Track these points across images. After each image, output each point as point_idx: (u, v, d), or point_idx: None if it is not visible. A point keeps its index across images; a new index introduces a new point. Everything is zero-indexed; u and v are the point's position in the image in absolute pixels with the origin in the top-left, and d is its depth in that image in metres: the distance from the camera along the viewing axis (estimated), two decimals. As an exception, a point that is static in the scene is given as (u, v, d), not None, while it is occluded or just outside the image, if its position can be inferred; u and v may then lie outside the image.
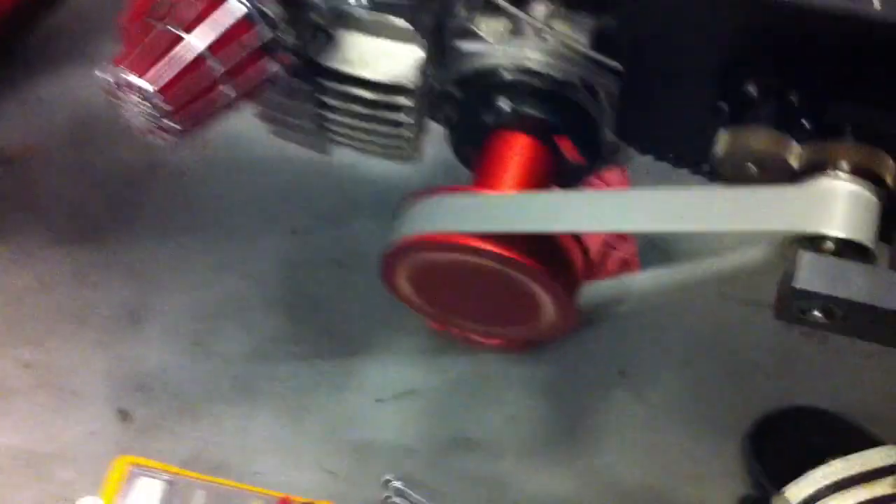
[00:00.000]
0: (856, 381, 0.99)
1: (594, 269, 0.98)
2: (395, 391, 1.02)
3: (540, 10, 0.73)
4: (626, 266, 1.01)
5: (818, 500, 0.87)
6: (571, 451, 0.99)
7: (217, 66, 0.65)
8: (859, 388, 0.99)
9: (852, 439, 0.91)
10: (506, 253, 0.67)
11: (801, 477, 0.88)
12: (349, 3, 0.69)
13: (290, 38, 0.70)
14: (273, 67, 0.69)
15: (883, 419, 0.96)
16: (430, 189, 0.71)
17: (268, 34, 0.66)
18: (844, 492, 0.87)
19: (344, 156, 0.87)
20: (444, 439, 0.99)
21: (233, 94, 0.67)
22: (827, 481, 0.87)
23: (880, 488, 0.87)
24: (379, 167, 1.08)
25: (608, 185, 0.99)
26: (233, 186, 1.13)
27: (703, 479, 0.96)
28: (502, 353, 1.02)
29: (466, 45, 0.73)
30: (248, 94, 0.69)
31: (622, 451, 0.98)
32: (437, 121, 0.82)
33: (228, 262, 1.09)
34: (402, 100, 0.74)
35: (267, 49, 0.68)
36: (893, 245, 0.59)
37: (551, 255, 0.69)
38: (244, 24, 0.66)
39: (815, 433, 0.93)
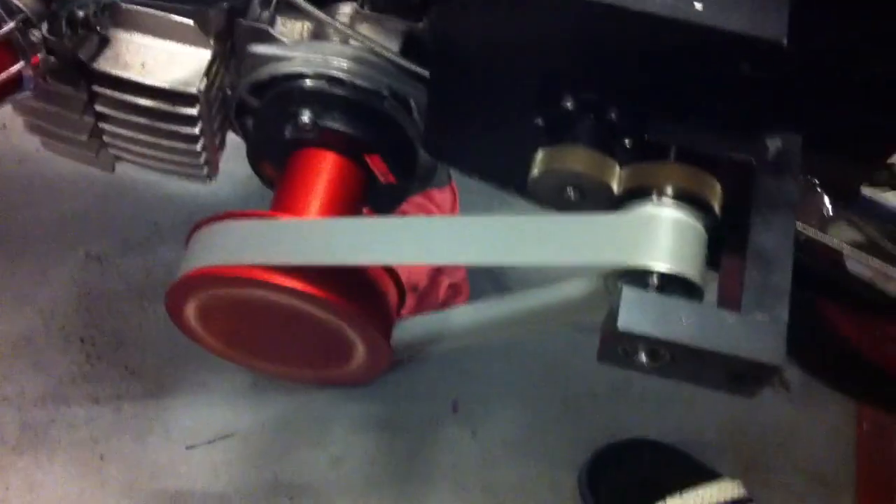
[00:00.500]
0: (690, 410, 0.97)
1: (422, 296, 0.91)
2: (207, 435, 0.93)
3: (345, 11, 0.66)
4: (455, 292, 0.94)
5: (656, 539, 0.84)
6: (403, 495, 0.93)
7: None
8: (694, 417, 0.97)
9: (689, 472, 0.88)
10: (306, 289, 0.59)
11: (638, 516, 0.85)
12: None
13: (47, 36, 0.59)
14: (24, 70, 0.58)
15: (718, 450, 0.95)
16: (219, 214, 0.62)
17: (12, 28, 0.56)
18: (683, 530, 0.84)
19: (148, 174, 0.77)
20: (264, 487, 0.92)
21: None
22: (663, 520, 0.84)
23: (719, 524, 0.84)
24: (189, 186, 0.99)
25: (437, 206, 0.93)
26: (22, 208, 1.01)
27: (539, 518, 0.92)
28: (327, 387, 0.94)
29: (261, 49, 0.65)
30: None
31: (456, 492, 0.93)
32: (237, 133, 0.73)
33: (17, 295, 0.98)
34: (187, 109, 0.65)
35: (15, 47, 0.57)
36: (720, 276, 0.54)
37: (359, 289, 0.61)
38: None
39: (652, 466, 0.90)
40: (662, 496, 0.85)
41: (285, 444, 0.94)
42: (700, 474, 0.88)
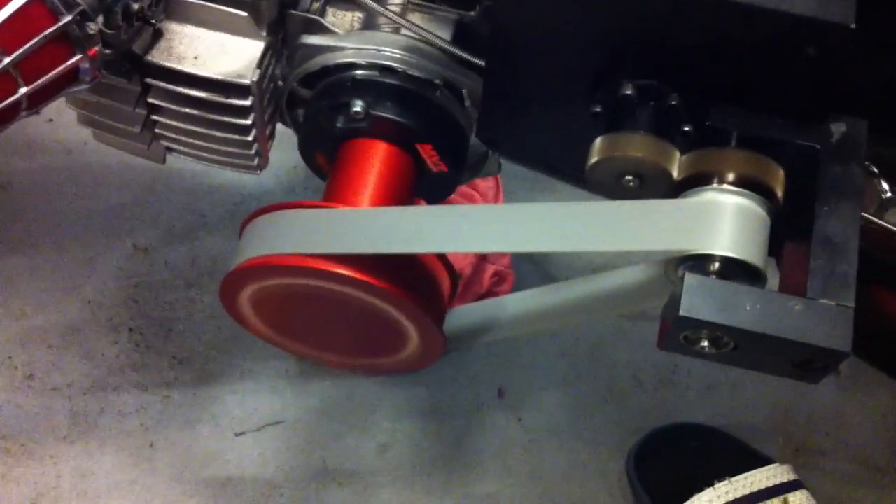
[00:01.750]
0: (739, 395, 0.97)
1: (467, 284, 0.91)
2: (255, 423, 0.94)
3: (396, 0, 0.65)
4: (500, 280, 0.94)
5: (706, 525, 0.84)
6: (450, 480, 0.93)
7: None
8: (743, 402, 0.97)
9: (737, 458, 0.88)
10: (361, 277, 0.59)
11: (687, 502, 0.84)
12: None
13: (104, 29, 0.60)
14: (81, 62, 0.59)
15: (767, 434, 0.94)
16: (273, 205, 0.62)
17: (70, 21, 0.56)
18: (732, 515, 0.84)
19: (194, 164, 0.78)
20: (312, 473, 0.92)
21: (23, 89, 0.56)
22: (712, 505, 0.83)
23: (768, 510, 0.84)
24: (234, 176, 1.00)
25: (481, 195, 0.93)
26: (68, 199, 1.02)
27: (586, 503, 0.91)
28: (373, 376, 0.95)
29: (312, 39, 0.65)
30: (46, 93, 0.59)
31: (502, 478, 0.93)
32: (287, 124, 0.73)
33: (64, 285, 0.98)
34: (240, 101, 0.65)
35: (72, 40, 0.58)
36: (783, 263, 0.54)
37: (414, 278, 0.61)
38: (37, 8, 0.55)
39: (700, 452, 0.90)
40: (711, 481, 0.85)
41: (332, 430, 0.94)
42: (749, 459, 0.88)
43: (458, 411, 0.96)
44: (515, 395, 0.96)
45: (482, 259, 0.93)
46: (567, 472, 0.93)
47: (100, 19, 0.60)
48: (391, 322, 0.62)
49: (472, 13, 0.64)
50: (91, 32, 0.58)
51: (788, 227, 0.54)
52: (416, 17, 0.65)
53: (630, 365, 0.98)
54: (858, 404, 0.97)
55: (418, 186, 0.68)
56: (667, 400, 0.97)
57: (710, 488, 0.84)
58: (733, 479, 0.84)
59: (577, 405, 0.96)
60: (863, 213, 0.62)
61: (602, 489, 0.92)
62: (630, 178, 0.53)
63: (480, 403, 0.96)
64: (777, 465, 0.86)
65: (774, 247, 0.54)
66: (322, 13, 0.66)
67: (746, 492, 0.84)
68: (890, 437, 0.96)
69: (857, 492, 0.93)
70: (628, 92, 0.52)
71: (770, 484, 0.85)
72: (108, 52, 0.61)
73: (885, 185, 0.64)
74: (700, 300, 0.48)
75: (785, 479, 0.85)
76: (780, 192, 0.51)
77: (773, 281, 0.54)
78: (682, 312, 0.48)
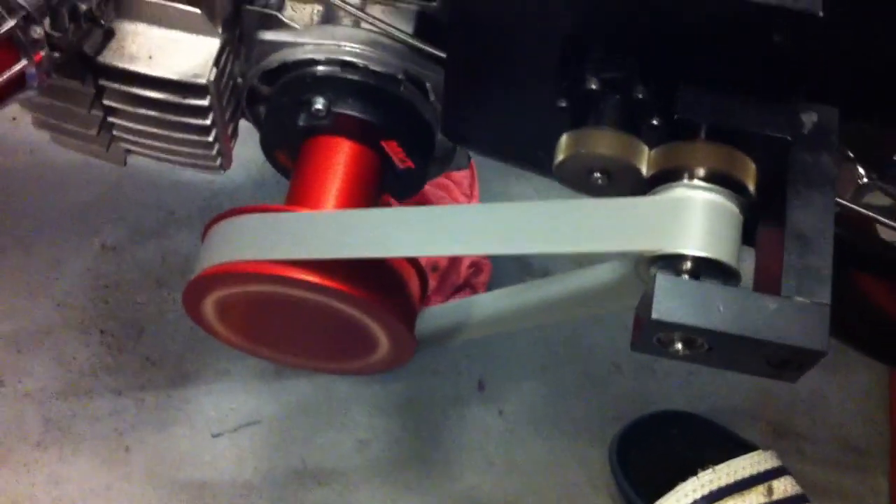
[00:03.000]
0: (719, 379, 0.96)
1: (444, 275, 0.90)
2: (232, 423, 0.92)
3: (355, -8, 0.63)
4: (477, 270, 0.93)
5: (690, 515, 0.83)
6: (431, 475, 0.92)
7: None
8: (725, 388, 0.96)
9: (720, 444, 0.87)
10: (327, 283, 0.57)
11: (671, 491, 0.84)
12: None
13: (50, 32, 0.57)
14: (27, 68, 0.56)
15: (749, 418, 0.94)
16: (233, 209, 0.60)
17: (13, 26, 0.54)
18: (717, 504, 0.83)
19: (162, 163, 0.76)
20: (290, 473, 0.91)
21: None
22: (697, 495, 0.83)
23: (752, 497, 0.83)
24: (203, 174, 0.98)
25: (456, 184, 0.91)
26: (33, 199, 1.00)
27: (569, 494, 0.91)
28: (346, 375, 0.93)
29: (270, 35, 0.63)
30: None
31: (484, 471, 0.92)
32: (250, 121, 0.71)
33: (32, 288, 0.96)
34: (197, 101, 0.63)
35: (17, 45, 0.56)
36: (756, 258, 0.52)
37: (382, 281, 0.59)
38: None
39: (683, 440, 0.89)
40: (694, 469, 0.84)
41: (310, 428, 0.93)
42: (733, 445, 0.87)
43: (437, 405, 0.94)
44: (495, 386, 0.95)
45: (457, 250, 0.92)
46: (548, 462, 0.92)
47: (46, 22, 0.57)
48: (360, 326, 0.61)
49: (434, 4, 0.62)
50: (36, 36, 0.56)
51: (762, 216, 0.53)
52: (376, 10, 0.63)
53: (609, 352, 0.97)
54: (839, 386, 0.97)
55: (385, 183, 0.66)
56: (647, 386, 0.96)
57: (694, 477, 0.83)
58: (717, 467, 0.84)
59: (557, 394, 0.95)
60: (839, 200, 0.61)
61: (584, 479, 0.92)
62: (598, 175, 0.51)
63: (460, 396, 0.95)
64: (760, 451, 0.85)
65: (749, 235, 0.52)
66: (280, 8, 0.64)
67: (730, 480, 0.84)
68: (871, 418, 0.96)
69: (839, 475, 0.93)
70: (593, 86, 0.51)
71: (754, 471, 0.84)
72: (56, 55, 0.59)
73: (861, 171, 0.63)
74: (672, 302, 0.47)
75: (769, 466, 0.85)
76: (751, 187, 0.50)
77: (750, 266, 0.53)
78: (654, 316, 0.47)
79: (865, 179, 0.63)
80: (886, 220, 0.62)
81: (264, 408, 0.93)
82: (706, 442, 0.89)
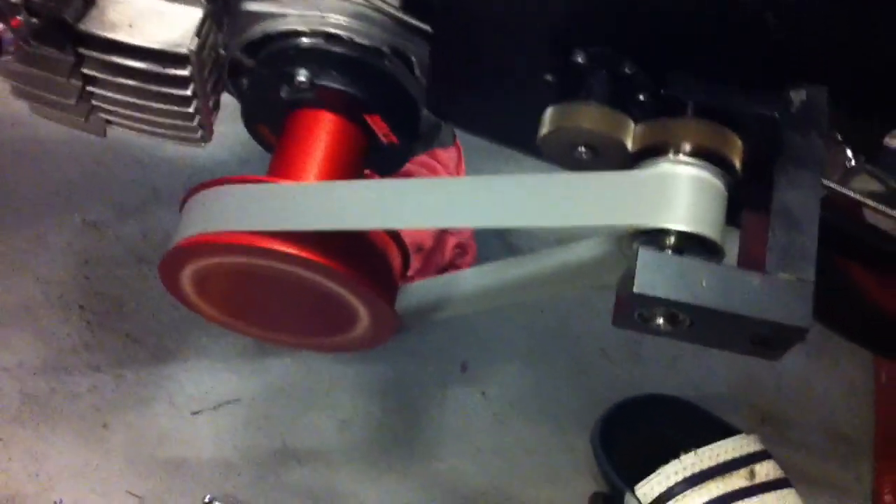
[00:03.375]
0: (704, 364, 0.95)
1: (429, 256, 0.89)
2: (212, 401, 0.92)
3: (341, -37, 0.62)
4: (462, 251, 0.92)
5: (671, 497, 0.83)
6: (412, 456, 0.91)
7: None
8: (710, 373, 0.95)
9: (704, 428, 0.87)
10: (303, 254, 0.56)
11: (653, 474, 0.83)
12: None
13: (30, -2, 0.56)
14: (4, 33, 0.55)
15: (733, 404, 0.94)
16: (212, 180, 0.59)
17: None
18: (698, 487, 0.83)
19: (145, 137, 0.75)
20: (270, 452, 0.90)
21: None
22: (679, 477, 0.83)
23: (735, 481, 0.83)
24: (187, 148, 0.96)
25: (442, 164, 0.90)
26: (15, 174, 0.99)
27: (552, 477, 0.91)
28: (327, 353, 0.93)
29: (253, 6, 0.62)
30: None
31: (466, 453, 0.92)
32: (232, 94, 0.70)
33: (13, 263, 0.95)
34: (178, 70, 0.62)
35: (-8, 10, 0.55)
36: (741, 236, 0.52)
37: (360, 254, 0.59)
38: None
39: (666, 424, 0.89)
40: (678, 452, 0.84)
41: (292, 408, 0.92)
42: (716, 429, 0.87)
43: (420, 386, 0.94)
44: (479, 368, 0.95)
45: (444, 231, 0.91)
46: (532, 446, 0.92)
47: (24, -15, 0.56)
48: (340, 301, 0.60)
49: (420, -24, 0.61)
50: (14, 1, 0.55)
51: (748, 196, 0.52)
52: (362, -19, 0.62)
53: (596, 336, 0.97)
54: (825, 373, 0.97)
55: (369, 159, 0.65)
56: (633, 371, 0.96)
57: (676, 460, 0.83)
58: (699, 450, 0.84)
59: (543, 378, 0.95)
60: (827, 182, 0.60)
61: (567, 463, 0.91)
62: (583, 149, 0.51)
63: (443, 378, 0.94)
64: (743, 435, 0.85)
65: (734, 216, 0.52)
66: (264, -23, 0.63)
67: (713, 463, 0.83)
68: (856, 405, 0.95)
69: (823, 461, 0.93)
70: (580, 60, 0.50)
71: (736, 455, 0.84)
72: (35, 20, 0.58)
73: (849, 154, 0.62)
74: (655, 276, 0.46)
75: (751, 450, 0.84)
76: (738, 164, 0.49)
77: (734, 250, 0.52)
78: (635, 289, 0.46)
79: (854, 163, 0.63)
80: (874, 204, 0.62)
81: (245, 386, 0.92)
82: (690, 425, 0.89)
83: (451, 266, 0.93)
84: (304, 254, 0.56)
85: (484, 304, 0.62)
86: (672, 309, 0.47)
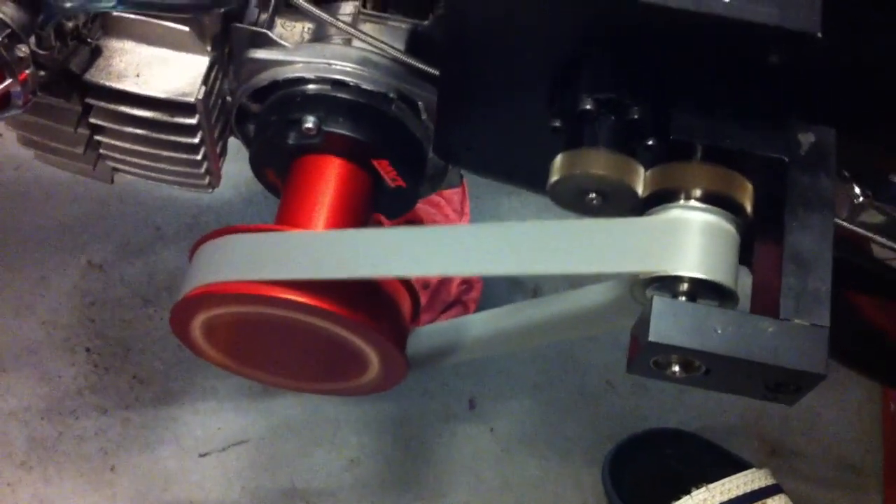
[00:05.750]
0: (713, 397, 0.95)
1: (435, 293, 0.89)
2: (219, 442, 0.91)
3: (346, 11, 0.63)
4: (468, 287, 0.92)
5: (683, 533, 0.82)
6: (422, 494, 0.91)
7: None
8: (719, 406, 0.95)
9: (714, 463, 0.86)
10: (316, 303, 0.56)
11: (666, 510, 0.83)
12: (106, 2, 0.56)
13: (36, 50, 0.56)
14: (11, 87, 0.55)
15: (742, 436, 0.93)
16: (222, 229, 0.59)
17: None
18: (710, 522, 0.83)
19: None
20: (279, 492, 0.90)
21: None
22: (691, 513, 0.82)
23: (747, 516, 0.82)
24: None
25: (447, 201, 0.90)
26: (18, 216, 0.99)
27: (562, 513, 0.90)
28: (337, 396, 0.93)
29: (260, 54, 0.62)
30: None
31: (474, 490, 0.91)
32: (239, 139, 0.70)
33: (17, 305, 0.95)
34: (185, 119, 0.62)
35: (1, 64, 0.55)
36: (753, 279, 0.52)
37: (372, 302, 0.58)
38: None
39: (676, 458, 0.88)
40: (688, 488, 0.84)
41: (299, 448, 0.92)
42: (726, 463, 0.87)
43: (428, 423, 0.94)
44: (486, 404, 0.95)
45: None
46: (540, 481, 0.92)
47: (31, 40, 0.56)
48: (350, 347, 0.60)
49: (426, 22, 0.62)
50: (21, 55, 0.55)
51: (760, 234, 0.52)
52: (368, 28, 0.62)
53: (602, 369, 0.97)
54: (833, 403, 0.96)
55: (376, 202, 0.65)
56: (640, 404, 0.95)
57: (687, 496, 0.83)
58: (710, 485, 0.83)
59: (550, 412, 0.95)
60: (835, 220, 0.60)
61: (576, 498, 0.91)
62: (593, 195, 0.51)
63: (450, 414, 0.94)
64: (754, 469, 0.85)
65: (746, 255, 0.52)
66: (270, 26, 0.63)
67: (724, 498, 0.83)
68: (865, 435, 0.95)
69: (833, 492, 0.93)
70: (588, 106, 0.50)
71: (748, 489, 0.83)
72: (42, 73, 0.58)
73: (857, 190, 0.62)
74: (669, 324, 0.46)
75: (763, 484, 0.84)
76: (748, 207, 0.49)
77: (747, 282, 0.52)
78: (651, 338, 0.46)
79: (861, 198, 0.63)
80: (882, 239, 0.62)
81: (252, 427, 0.92)
82: (700, 460, 0.88)
83: (458, 302, 0.93)
84: (314, 302, 0.56)
85: (493, 350, 0.62)
86: (688, 357, 0.47)
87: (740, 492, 0.82)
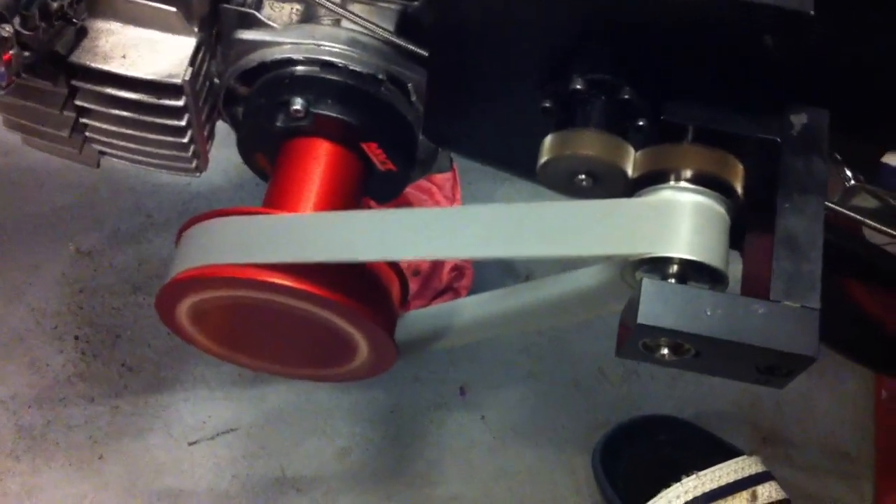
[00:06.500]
0: (706, 384, 0.95)
1: (426, 280, 0.89)
2: (209, 431, 0.91)
3: (336, -10, 0.62)
4: (459, 274, 0.91)
5: (674, 521, 0.82)
6: (412, 483, 0.91)
7: None
8: (711, 393, 0.95)
9: (705, 450, 0.86)
10: (304, 287, 0.56)
11: (655, 497, 0.83)
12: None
13: (20, 30, 0.56)
14: (-5, 67, 0.55)
15: (735, 423, 0.93)
16: (209, 212, 0.58)
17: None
18: (701, 510, 0.82)
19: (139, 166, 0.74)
20: (269, 481, 0.89)
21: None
22: (681, 501, 0.82)
23: (737, 503, 0.82)
24: (180, 176, 0.96)
25: (438, 187, 0.90)
26: (8, 203, 0.98)
27: (553, 501, 0.90)
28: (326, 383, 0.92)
29: (248, 35, 0.61)
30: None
31: (467, 479, 0.91)
32: (227, 122, 0.70)
33: (6, 293, 0.94)
34: (172, 101, 0.61)
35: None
36: (744, 262, 0.51)
37: (361, 286, 0.58)
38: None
39: (667, 444, 0.88)
40: (679, 475, 0.83)
41: (290, 436, 0.91)
42: (717, 450, 0.86)
43: (419, 411, 0.93)
44: (478, 392, 0.94)
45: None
46: (533, 470, 0.91)
47: (16, 20, 0.56)
48: (339, 332, 0.59)
49: (416, 3, 0.61)
50: (5, 35, 0.54)
51: (750, 219, 0.52)
52: (357, 9, 0.61)
53: (594, 357, 0.96)
54: (827, 391, 0.96)
55: (366, 186, 0.65)
56: (633, 392, 0.95)
57: (678, 483, 0.83)
58: (701, 473, 0.83)
59: (542, 401, 0.94)
60: (827, 203, 0.60)
61: (569, 486, 0.91)
62: (583, 177, 0.50)
63: (442, 402, 0.94)
64: (745, 457, 0.84)
65: (737, 239, 0.51)
66: (258, 6, 0.62)
67: (714, 486, 0.83)
68: (858, 424, 0.95)
69: (826, 481, 0.92)
70: (579, 86, 0.50)
71: (738, 477, 0.83)
72: (27, 54, 0.57)
73: (848, 173, 0.62)
74: (659, 306, 0.46)
75: (753, 472, 0.84)
76: (739, 189, 0.49)
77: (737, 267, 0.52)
78: (640, 320, 0.46)
79: (853, 182, 0.62)
80: (874, 223, 0.61)
81: (242, 415, 0.91)
82: (691, 447, 0.88)
83: (449, 289, 0.93)
84: (302, 286, 0.56)
85: (483, 334, 0.61)
86: (677, 339, 0.46)
87: (730, 479, 0.82)
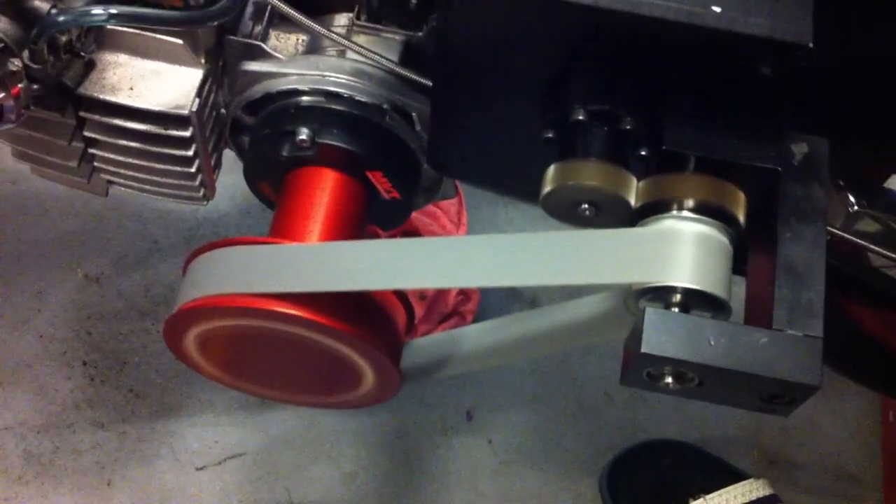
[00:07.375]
0: (711, 407, 0.95)
1: (432, 304, 0.89)
2: (216, 456, 0.91)
3: (340, 23, 0.63)
4: (465, 298, 0.92)
5: (682, 545, 0.82)
6: (419, 507, 0.90)
7: None
8: (717, 416, 0.95)
9: (712, 473, 0.86)
10: (310, 316, 0.56)
11: (664, 522, 0.83)
12: (99, 17, 0.56)
13: (29, 64, 0.57)
14: (4, 101, 0.55)
15: (741, 447, 0.93)
16: (216, 242, 0.59)
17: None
18: (709, 534, 0.82)
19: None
20: (276, 506, 0.89)
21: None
22: (689, 524, 0.82)
23: (745, 527, 0.82)
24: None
25: (444, 212, 0.90)
26: (15, 230, 0.99)
27: (561, 526, 0.90)
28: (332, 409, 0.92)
29: (253, 66, 0.62)
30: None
31: (473, 502, 0.90)
32: (234, 151, 0.70)
33: (14, 319, 0.95)
34: (180, 132, 0.62)
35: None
36: (747, 290, 0.51)
37: (366, 314, 0.58)
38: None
39: (674, 468, 0.88)
40: (686, 498, 0.83)
41: (296, 461, 0.91)
42: (724, 473, 0.86)
43: (425, 435, 0.93)
44: (484, 416, 0.94)
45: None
46: (539, 493, 0.91)
47: (24, 54, 0.56)
48: (345, 360, 0.60)
49: (420, 34, 0.62)
50: (14, 69, 0.55)
51: (753, 244, 0.52)
52: (361, 40, 0.62)
53: (600, 380, 0.96)
54: (831, 413, 0.96)
55: (371, 214, 0.65)
56: (638, 415, 0.95)
57: (685, 507, 0.83)
58: (708, 496, 0.83)
59: (548, 424, 0.94)
60: (830, 228, 0.60)
61: (575, 510, 0.91)
62: (586, 206, 0.50)
63: (448, 426, 0.94)
64: (752, 480, 0.84)
65: (739, 265, 0.52)
66: (264, 38, 0.63)
67: (721, 510, 0.83)
68: (864, 446, 0.95)
69: (832, 503, 0.92)
70: (580, 117, 0.50)
71: (746, 500, 0.83)
72: (35, 87, 0.58)
73: (851, 199, 0.62)
74: (662, 335, 0.46)
75: (761, 495, 0.84)
76: (741, 218, 0.49)
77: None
78: (643, 349, 0.46)
79: (856, 207, 0.63)
80: (878, 248, 0.62)
81: (249, 440, 0.92)
82: (697, 471, 0.88)
83: (455, 313, 0.93)
84: (308, 315, 0.56)
85: (488, 362, 0.62)
86: (680, 368, 0.47)
87: (738, 502, 0.82)
